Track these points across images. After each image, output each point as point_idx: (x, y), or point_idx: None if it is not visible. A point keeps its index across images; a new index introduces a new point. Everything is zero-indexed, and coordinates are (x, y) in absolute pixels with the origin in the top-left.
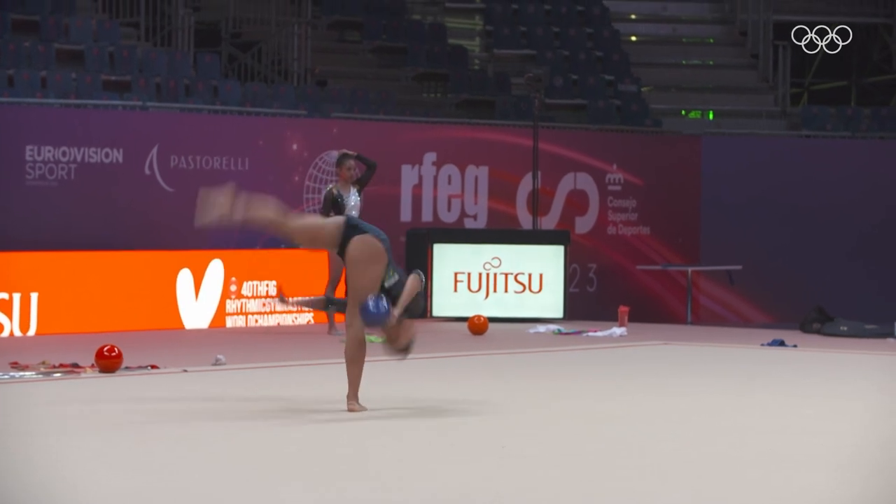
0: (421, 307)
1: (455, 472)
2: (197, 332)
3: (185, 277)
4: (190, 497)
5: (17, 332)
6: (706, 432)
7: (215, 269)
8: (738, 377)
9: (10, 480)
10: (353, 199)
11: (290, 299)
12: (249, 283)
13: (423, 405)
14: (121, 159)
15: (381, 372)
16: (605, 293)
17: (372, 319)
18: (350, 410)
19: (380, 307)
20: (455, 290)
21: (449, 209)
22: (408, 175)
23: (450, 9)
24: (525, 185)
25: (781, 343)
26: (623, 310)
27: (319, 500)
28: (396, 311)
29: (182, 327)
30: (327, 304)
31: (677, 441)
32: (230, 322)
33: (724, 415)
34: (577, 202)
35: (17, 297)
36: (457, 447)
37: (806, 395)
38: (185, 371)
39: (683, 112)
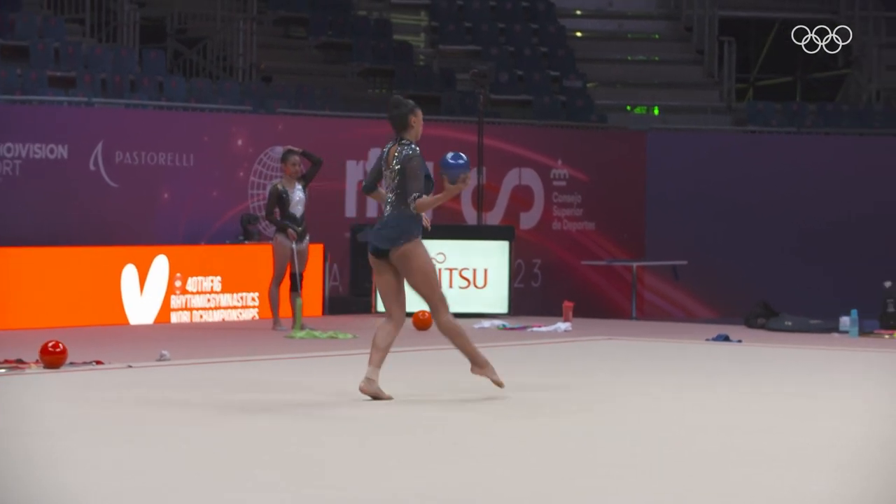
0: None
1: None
2: (142, 328)
3: (129, 273)
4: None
5: None
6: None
7: (160, 265)
8: (686, 373)
9: None
10: (297, 195)
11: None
12: (194, 278)
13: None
14: (66, 155)
15: (331, 365)
16: (549, 288)
17: (453, 170)
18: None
19: (458, 158)
20: None
21: None
22: (353, 170)
23: (395, 5)
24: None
25: (726, 338)
26: (567, 305)
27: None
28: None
29: (127, 323)
30: None
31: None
32: (175, 318)
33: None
34: (521, 198)
35: None
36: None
37: (763, 393)
38: (130, 367)
39: (629, 108)
